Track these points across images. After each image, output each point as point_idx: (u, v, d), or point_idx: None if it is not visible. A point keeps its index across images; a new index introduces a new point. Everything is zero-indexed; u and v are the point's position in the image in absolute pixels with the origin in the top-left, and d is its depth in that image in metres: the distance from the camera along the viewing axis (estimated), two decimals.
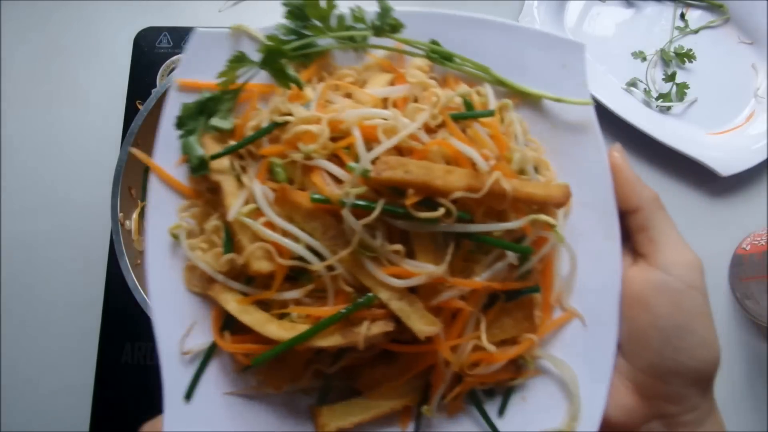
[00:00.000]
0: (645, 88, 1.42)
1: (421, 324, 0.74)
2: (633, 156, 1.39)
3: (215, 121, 0.80)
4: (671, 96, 1.43)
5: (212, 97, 0.81)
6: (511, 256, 0.78)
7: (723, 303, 1.32)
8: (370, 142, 0.76)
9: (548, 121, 0.87)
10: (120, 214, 1.13)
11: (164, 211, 0.82)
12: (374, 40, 0.84)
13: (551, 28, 1.43)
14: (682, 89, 1.42)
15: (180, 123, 0.80)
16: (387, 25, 0.82)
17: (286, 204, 0.76)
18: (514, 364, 0.83)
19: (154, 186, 0.82)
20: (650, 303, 0.79)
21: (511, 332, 0.81)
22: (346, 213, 0.72)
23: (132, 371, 1.23)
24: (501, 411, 0.83)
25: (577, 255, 0.83)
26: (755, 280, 1.24)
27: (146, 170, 0.85)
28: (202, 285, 0.80)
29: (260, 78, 0.84)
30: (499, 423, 0.82)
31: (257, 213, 0.77)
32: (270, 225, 0.76)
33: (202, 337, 0.80)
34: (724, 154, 1.36)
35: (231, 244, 0.78)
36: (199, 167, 0.79)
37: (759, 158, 1.36)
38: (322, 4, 0.83)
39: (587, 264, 0.84)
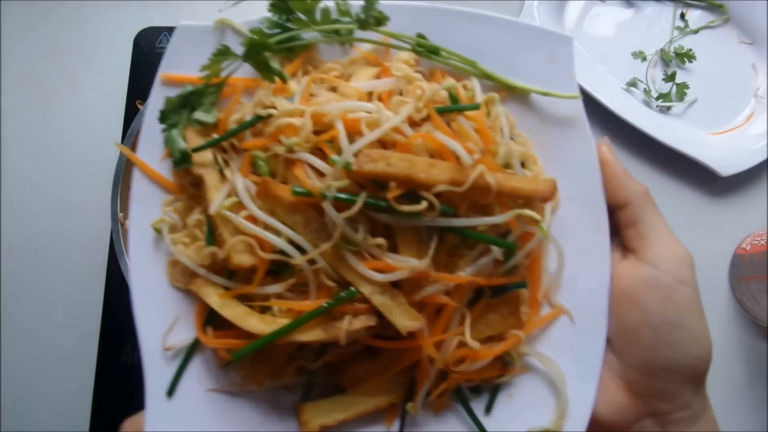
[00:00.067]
0: (645, 88, 1.40)
1: (404, 319, 0.71)
2: (633, 156, 1.36)
3: (198, 115, 0.79)
4: (671, 96, 1.40)
5: (195, 90, 0.79)
6: (496, 251, 0.76)
7: (723, 303, 1.29)
8: (354, 135, 0.74)
9: (536, 116, 0.85)
10: (120, 214, 1.12)
11: (147, 205, 0.80)
12: (360, 33, 0.83)
13: (551, 28, 1.40)
14: (682, 89, 1.40)
15: (163, 117, 0.78)
16: (372, 18, 0.80)
17: (268, 197, 0.74)
18: (500, 361, 0.80)
19: (138, 181, 0.80)
20: (640, 299, 0.77)
21: (497, 328, 0.79)
22: (327, 206, 0.70)
23: (132, 371, 1.21)
24: (488, 409, 0.80)
25: (566, 250, 0.81)
26: (755, 280, 1.22)
27: None
28: (185, 280, 0.79)
29: (245, 73, 0.83)
30: (485, 421, 0.79)
31: (239, 206, 0.75)
32: (252, 218, 0.75)
33: (185, 333, 0.78)
34: (724, 154, 1.34)
35: (213, 237, 0.77)
36: (181, 160, 0.78)
37: (759, 158, 1.33)
38: None
39: (576, 260, 0.81)
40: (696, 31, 1.47)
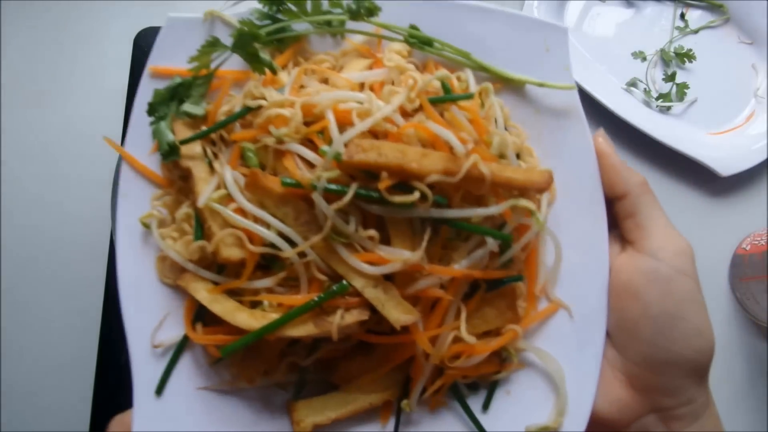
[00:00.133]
0: (645, 88, 1.37)
1: (397, 312, 0.68)
2: (633, 156, 1.33)
3: (187, 107, 0.76)
4: (671, 96, 1.37)
5: (184, 82, 0.77)
6: (492, 244, 0.72)
7: (723, 303, 1.26)
8: (345, 125, 0.71)
9: (531, 107, 0.82)
10: None
11: (136, 200, 0.77)
12: (352, 25, 0.80)
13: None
14: (682, 89, 1.37)
15: (151, 109, 0.76)
16: (363, 8, 0.78)
17: (257, 189, 0.71)
18: (497, 356, 0.77)
19: (126, 175, 0.78)
20: (640, 291, 0.74)
21: (493, 323, 0.76)
22: (317, 197, 0.67)
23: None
24: (485, 406, 0.77)
25: (563, 243, 0.78)
26: (755, 280, 1.19)
27: None
28: (174, 276, 0.76)
29: (236, 66, 0.80)
30: (482, 418, 0.76)
31: (228, 199, 0.73)
32: (241, 211, 0.72)
33: (175, 330, 0.75)
34: (724, 154, 1.31)
35: (201, 231, 0.74)
36: (169, 153, 0.75)
37: (759, 158, 1.30)
38: None
39: (573, 253, 0.78)
40: (696, 31, 1.44)
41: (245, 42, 0.74)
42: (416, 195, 0.67)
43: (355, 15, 0.78)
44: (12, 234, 1.25)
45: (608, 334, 0.77)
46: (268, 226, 0.70)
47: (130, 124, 0.79)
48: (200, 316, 0.75)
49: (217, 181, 0.74)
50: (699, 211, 1.32)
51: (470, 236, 0.73)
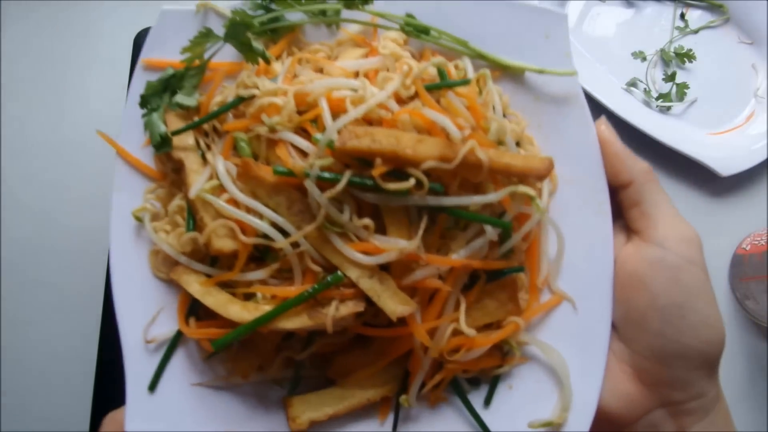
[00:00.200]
0: (645, 88, 1.33)
1: (394, 303, 0.64)
2: None
3: (179, 98, 0.73)
4: (671, 96, 1.33)
5: (176, 73, 0.73)
6: (491, 233, 0.68)
7: (723, 303, 1.22)
8: (339, 113, 0.67)
9: (531, 94, 0.78)
10: None
11: (130, 194, 0.74)
12: (347, 14, 0.76)
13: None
14: (682, 89, 1.33)
15: (143, 101, 0.73)
16: None
17: (249, 179, 0.67)
18: (499, 350, 0.73)
19: (119, 168, 0.74)
20: (647, 281, 0.69)
21: (494, 315, 0.71)
22: (310, 185, 0.63)
23: None
24: (487, 401, 0.73)
25: (566, 234, 0.74)
26: (755, 280, 1.16)
27: None
28: (168, 269, 0.72)
29: (228, 57, 0.77)
30: (484, 414, 0.72)
31: (220, 190, 0.69)
32: (233, 202, 0.68)
33: (168, 325, 0.72)
34: (724, 154, 1.27)
35: (193, 223, 0.70)
36: (161, 144, 0.72)
37: (759, 158, 1.27)
38: None
39: (577, 243, 0.74)
40: (696, 31, 1.40)
41: (238, 31, 0.70)
42: (411, 182, 0.63)
43: (350, 4, 0.74)
44: (12, 234, 1.22)
45: (614, 326, 0.73)
46: (260, 216, 0.67)
47: (124, 117, 0.75)
48: (194, 310, 0.71)
49: (210, 171, 0.70)
50: (699, 211, 1.28)
51: (469, 225, 0.69)
